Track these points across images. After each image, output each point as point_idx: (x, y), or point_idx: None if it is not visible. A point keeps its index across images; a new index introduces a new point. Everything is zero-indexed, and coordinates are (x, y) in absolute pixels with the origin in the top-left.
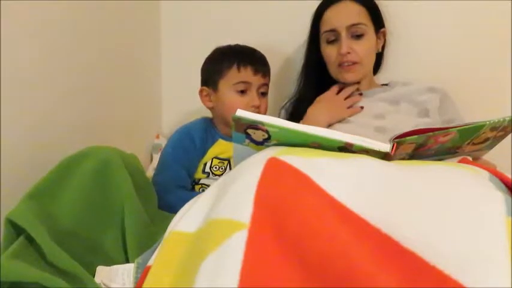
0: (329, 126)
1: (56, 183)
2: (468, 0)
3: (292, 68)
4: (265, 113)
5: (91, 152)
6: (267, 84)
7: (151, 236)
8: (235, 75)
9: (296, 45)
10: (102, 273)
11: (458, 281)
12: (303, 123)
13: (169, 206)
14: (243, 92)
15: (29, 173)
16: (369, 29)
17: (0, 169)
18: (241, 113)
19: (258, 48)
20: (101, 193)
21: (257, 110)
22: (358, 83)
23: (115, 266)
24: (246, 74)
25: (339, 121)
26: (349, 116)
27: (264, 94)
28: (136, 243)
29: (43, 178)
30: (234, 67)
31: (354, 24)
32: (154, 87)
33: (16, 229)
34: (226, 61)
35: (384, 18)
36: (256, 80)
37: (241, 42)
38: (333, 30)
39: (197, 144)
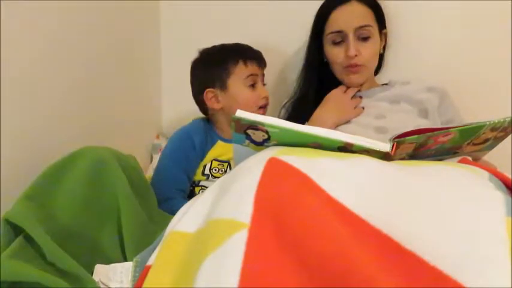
0: (335, 127)
1: (51, 183)
2: (468, 0)
3: (292, 68)
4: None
5: (85, 151)
6: (264, 75)
7: (149, 235)
8: (243, 70)
9: (296, 45)
10: (100, 271)
11: (458, 281)
12: (310, 124)
13: (169, 212)
14: (252, 86)
15: (28, 172)
16: (375, 30)
17: (0, 169)
18: (241, 113)
19: (257, 48)
20: (96, 192)
21: (267, 100)
22: (361, 84)
23: (113, 265)
24: (253, 67)
25: (346, 122)
26: (355, 117)
27: (264, 85)
28: (133, 242)
29: (38, 178)
30: (241, 63)
31: (361, 27)
32: (154, 87)
33: (14, 229)
34: (230, 59)
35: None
36: (260, 72)
37: (241, 42)
38: (339, 32)
39: (197, 147)
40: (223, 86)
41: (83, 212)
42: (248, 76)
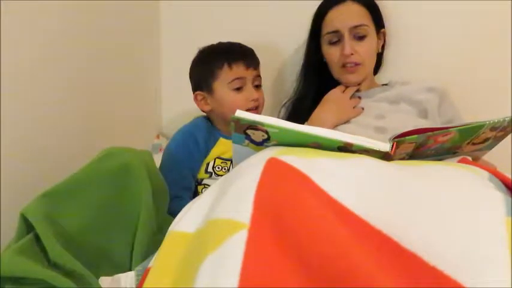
0: (335, 127)
1: (73, 185)
2: (468, 0)
3: (292, 68)
4: (263, 104)
5: (113, 154)
6: (259, 76)
7: (155, 244)
8: (228, 74)
9: (295, 45)
10: (105, 283)
11: (458, 281)
12: (309, 124)
13: (173, 212)
14: (239, 89)
15: (28, 172)
16: (371, 30)
17: (0, 168)
18: (240, 113)
19: (257, 48)
20: (118, 198)
21: (257, 103)
22: (359, 84)
23: (117, 275)
24: (239, 70)
25: (345, 122)
26: (354, 117)
27: (258, 86)
28: (141, 252)
29: (64, 179)
30: (225, 66)
31: (356, 26)
32: (154, 87)
33: (27, 225)
34: (216, 61)
35: (383, 18)
36: (249, 74)
37: (241, 42)
38: (335, 32)
39: (200, 145)
40: (209, 90)
41: (99, 218)
42: (233, 80)
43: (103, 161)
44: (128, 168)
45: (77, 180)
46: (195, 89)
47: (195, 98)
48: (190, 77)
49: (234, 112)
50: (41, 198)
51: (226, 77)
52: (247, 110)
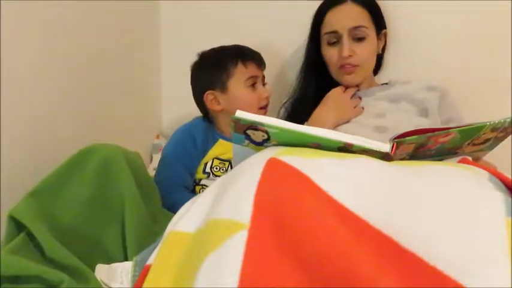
0: (335, 127)
1: (58, 181)
2: (468, 0)
3: (292, 68)
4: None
5: (94, 149)
6: (264, 76)
7: (152, 235)
8: (243, 72)
9: (295, 45)
10: (102, 271)
11: (458, 281)
12: (310, 124)
13: (172, 206)
14: (252, 86)
15: (28, 172)
16: (370, 31)
17: (0, 169)
18: (240, 114)
19: (257, 49)
20: (102, 191)
21: (268, 100)
22: (358, 85)
23: (114, 264)
24: (252, 68)
25: (345, 122)
26: (355, 117)
27: (264, 85)
28: (135, 242)
29: (47, 176)
30: (240, 64)
31: (355, 27)
32: (154, 87)
33: (18, 226)
34: (230, 60)
35: (384, 19)
36: (260, 73)
37: (241, 43)
38: (334, 32)
39: (198, 145)
40: (223, 88)
41: (87, 211)
42: (248, 78)
43: (84, 157)
44: (109, 162)
45: (61, 176)
46: (204, 89)
47: (206, 98)
48: (196, 80)
49: (247, 109)
50: (29, 198)
51: (241, 75)
52: (261, 107)
